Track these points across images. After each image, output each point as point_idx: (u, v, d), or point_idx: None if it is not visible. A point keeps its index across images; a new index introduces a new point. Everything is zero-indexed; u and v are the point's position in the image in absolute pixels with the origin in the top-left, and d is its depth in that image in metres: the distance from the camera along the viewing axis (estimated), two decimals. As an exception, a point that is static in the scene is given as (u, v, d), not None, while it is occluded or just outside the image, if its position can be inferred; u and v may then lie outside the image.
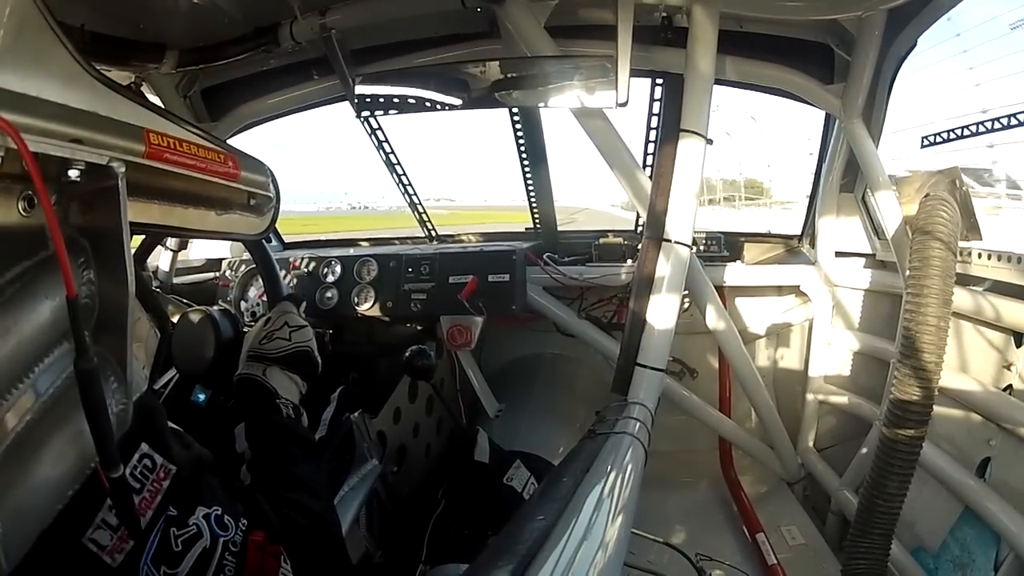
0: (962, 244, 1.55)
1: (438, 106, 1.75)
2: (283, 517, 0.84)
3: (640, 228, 2.27)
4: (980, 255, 1.61)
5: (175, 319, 1.30)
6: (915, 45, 1.68)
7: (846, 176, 2.11)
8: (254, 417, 1.06)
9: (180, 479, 0.70)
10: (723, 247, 2.36)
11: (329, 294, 2.15)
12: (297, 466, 0.99)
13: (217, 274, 2.35)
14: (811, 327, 2.31)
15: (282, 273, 1.95)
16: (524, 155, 2.26)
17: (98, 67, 0.61)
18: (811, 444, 2.32)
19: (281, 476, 0.96)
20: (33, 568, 0.57)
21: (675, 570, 1.62)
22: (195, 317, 1.28)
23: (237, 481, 0.97)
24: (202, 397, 1.34)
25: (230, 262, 2.27)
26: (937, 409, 1.45)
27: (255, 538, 0.77)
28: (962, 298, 1.48)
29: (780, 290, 2.44)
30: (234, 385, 1.14)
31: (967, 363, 1.59)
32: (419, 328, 2.13)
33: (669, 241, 1.58)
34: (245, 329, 1.30)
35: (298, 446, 1.04)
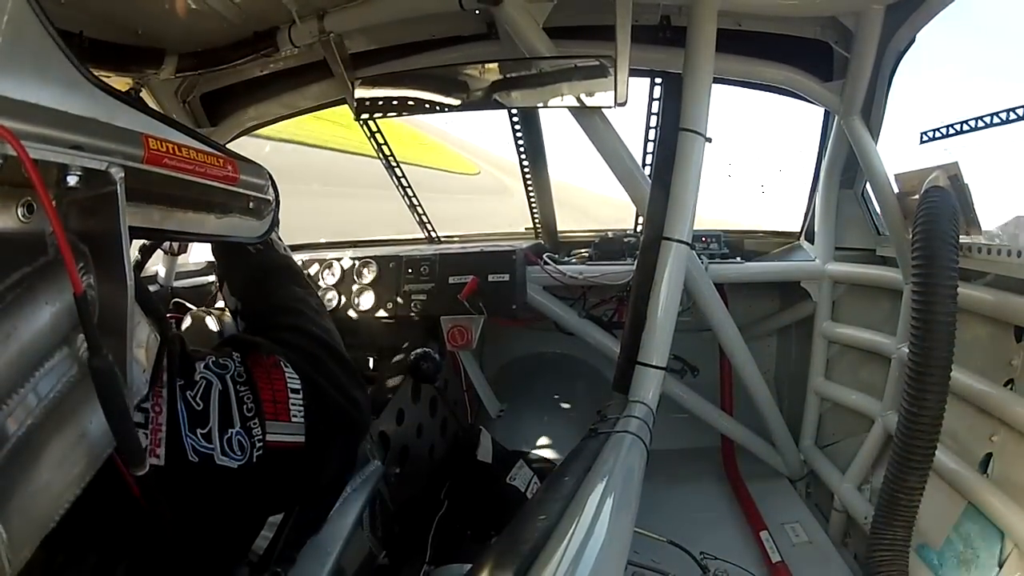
0: (962, 239, 1.55)
1: (437, 108, 1.75)
2: (270, 339, 0.88)
3: (640, 227, 2.27)
4: (980, 249, 1.61)
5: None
6: (914, 41, 1.68)
7: (845, 172, 2.11)
8: (228, 268, 1.14)
9: (173, 353, 0.74)
10: (723, 244, 2.36)
11: (329, 296, 2.15)
12: (275, 293, 1.05)
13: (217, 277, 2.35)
14: (812, 323, 2.30)
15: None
16: (523, 156, 2.26)
17: (97, 73, 0.61)
18: (813, 441, 2.32)
19: (264, 310, 1.02)
20: (99, 512, 0.61)
21: (679, 568, 1.62)
22: (198, 319, 1.28)
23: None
24: None
25: None
26: (940, 405, 1.45)
27: (253, 358, 0.82)
28: (963, 293, 1.48)
29: (780, 287, 2.44)
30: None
31: (968, 358, 1.59)
32: (423, 328, 2.13)
33: (669, 239, 1.58)
34: None
35: (280, 275, 1.10)
